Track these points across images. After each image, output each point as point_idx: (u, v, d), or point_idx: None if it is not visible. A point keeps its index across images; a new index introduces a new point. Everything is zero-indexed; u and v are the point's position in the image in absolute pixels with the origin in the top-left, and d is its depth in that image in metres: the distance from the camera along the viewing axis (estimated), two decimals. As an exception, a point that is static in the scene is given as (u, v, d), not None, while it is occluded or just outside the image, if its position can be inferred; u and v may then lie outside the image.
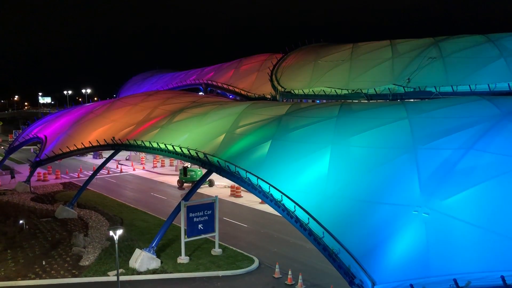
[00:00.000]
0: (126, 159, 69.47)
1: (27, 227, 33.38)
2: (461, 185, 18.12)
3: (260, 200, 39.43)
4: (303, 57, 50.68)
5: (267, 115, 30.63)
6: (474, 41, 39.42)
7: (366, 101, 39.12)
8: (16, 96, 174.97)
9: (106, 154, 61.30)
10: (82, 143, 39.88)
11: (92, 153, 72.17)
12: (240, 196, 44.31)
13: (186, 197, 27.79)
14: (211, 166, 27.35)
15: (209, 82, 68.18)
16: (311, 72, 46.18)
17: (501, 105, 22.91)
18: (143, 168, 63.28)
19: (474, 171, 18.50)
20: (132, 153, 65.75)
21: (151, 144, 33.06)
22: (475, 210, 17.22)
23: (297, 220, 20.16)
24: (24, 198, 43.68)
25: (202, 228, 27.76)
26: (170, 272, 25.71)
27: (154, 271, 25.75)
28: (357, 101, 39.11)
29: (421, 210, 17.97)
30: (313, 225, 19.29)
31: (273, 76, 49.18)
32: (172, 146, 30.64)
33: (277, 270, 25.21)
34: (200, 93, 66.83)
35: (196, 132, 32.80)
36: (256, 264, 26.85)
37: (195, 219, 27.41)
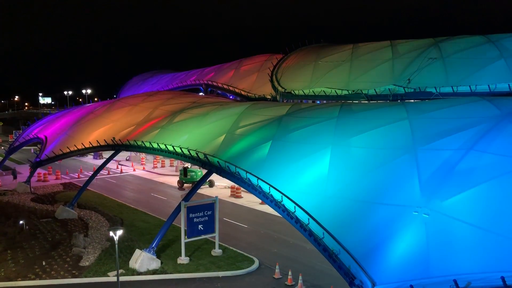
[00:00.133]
0: (127, 160, 69.47)
1: (27, 227, 33.38)
2: (461, 186, 18.12)
3: (260, 201, 39.44)
4: (303, 57, 50.70)
5: (268, 116, 30.65)
6: (474, 42, 39.44)
7: (366, 101, 39.13)
8: (17, 97, 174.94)
9: (107, 154, 61.36)
10: (82, 143, 39.90)
11: (93, 153, 72.20)
12: (240, 197, 44.31)
13: (186, 198, 27.79)
14: (211, 166, 27.34)
15: (210, 82, 68.18)
16: (311, 72, 46.20)
17: (501, 106, 22.92)
18: (143, 168, 63.29)
19: (474, 172, 18.50)
20: (132, 153, 65.80)
21: (152, 145, 33.07)
22: (475, 211, 17.21)
23: (297, 221, 20.15)
24: (24, 199, 43.70)
25: (202, 228, 27.75)
26: (170, 273, 25.70)
27: (154, 272, 25.75)
28: (357, 101, 39.13)
29: (421, 211, 17.97)
30: (313, 226, 19.28)
31: (274, 77, 49.20)
32: (173, 146, 30.65)
33: (277, 270, 25.20)
34: (201, 94, 66.90)
35: (197, 132, 32.81)
36: (256, 264, 26.84)
37: (195, 220, 27.40)
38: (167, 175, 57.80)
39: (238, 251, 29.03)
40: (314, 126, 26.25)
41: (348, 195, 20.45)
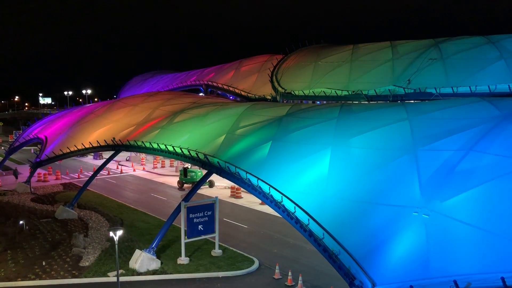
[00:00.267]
0: (127, 160, 69.48)
1: (27, 227, 33.37)
2: (461, 187, 18.12)
3: (260, 201, 39.44)
4: (303, 58, 50.72)
5: (268, 116, 30.66)
6: (474, 43, 39.46)
7: (366, 102, 39.13)
8: (17, 97, 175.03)
9: (107, 155, 61.36)
10: (82, 143, 39.92)
11: (93, 153, 72.19)
12: (240, 197, 44.30)
13: (186, 198, 27.80)
14: (211, 167, 27.35)
15: (210, 83, 68.20)
16: (311, 73, 46.22)
17: (502, 107, 22.93)
18: (143, 169, 63.29)
19: (474, 173, 18.51)
20: (133, 154, 65.83)
21: (152, 145, 33.08)
22: (475, 212, 17.22)
23: (297, 221, 20.15)
24: (24, 199, 43.69)
25: (202, 229, 27.75)
26: (170, 273, 25.69)
27: (154, 272, 25.74)
28: (357, 102, 39.13)
29: (421, 211, 17.97)
30: (313, 226, 19.29)
31: (274, 77, 49.23)
32: (173, 147, 30.66)
33: (277, 271, 25.19)
34: (201, 94, 66.95)
35: (197, 133, 32.82)
36: (256, 265, 26.83)
37: (195, 220, 27.40)
38: (167, 176, 57.80)
39: (238, 251, 29.02)
40: (314, 127, 26.25)
41: (348, 196, 20.46)
